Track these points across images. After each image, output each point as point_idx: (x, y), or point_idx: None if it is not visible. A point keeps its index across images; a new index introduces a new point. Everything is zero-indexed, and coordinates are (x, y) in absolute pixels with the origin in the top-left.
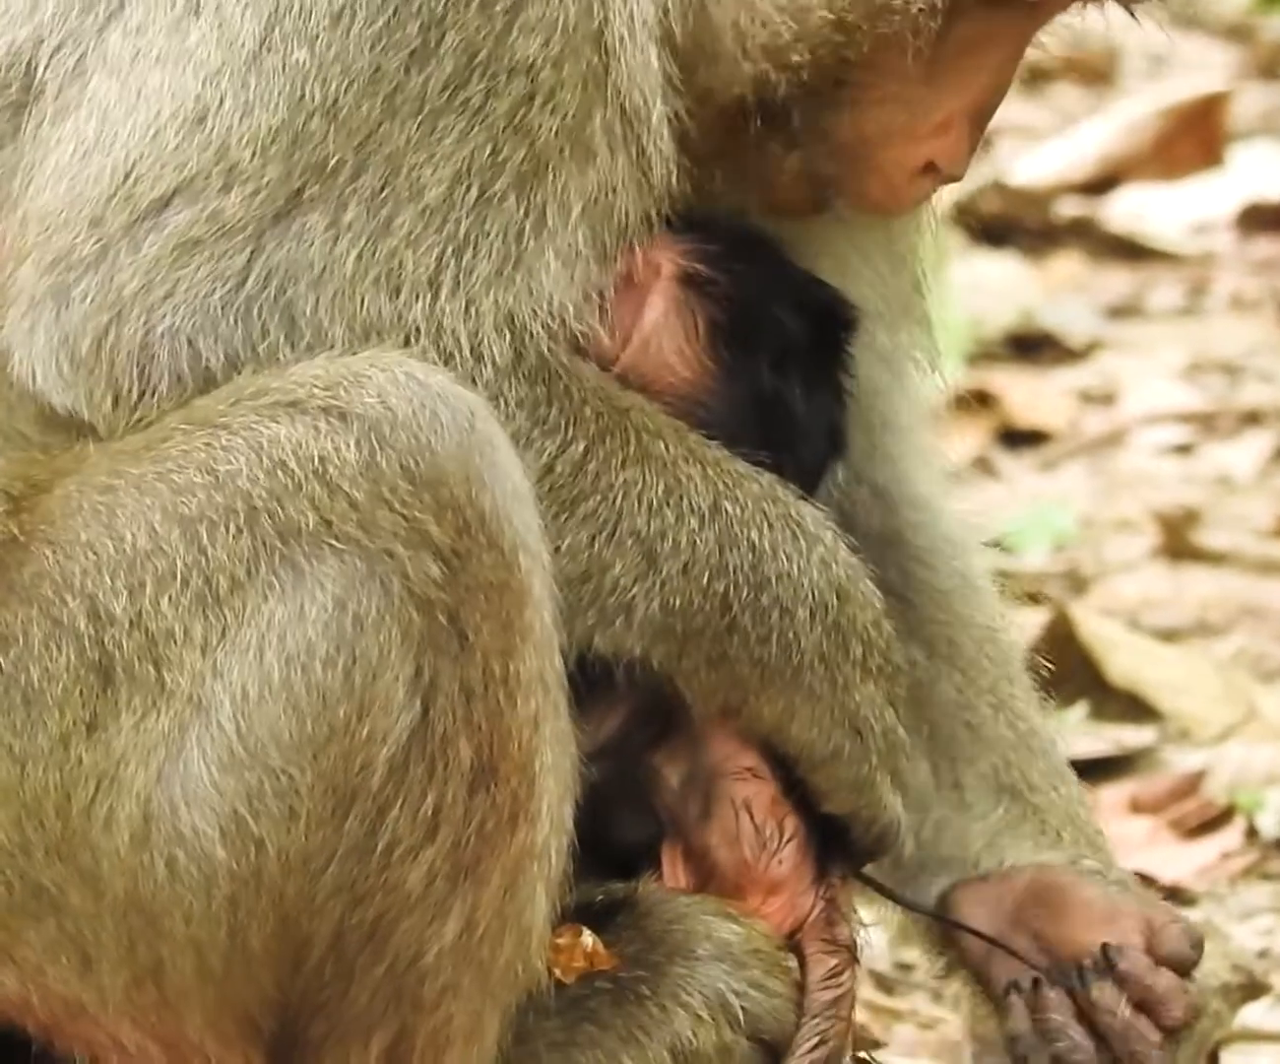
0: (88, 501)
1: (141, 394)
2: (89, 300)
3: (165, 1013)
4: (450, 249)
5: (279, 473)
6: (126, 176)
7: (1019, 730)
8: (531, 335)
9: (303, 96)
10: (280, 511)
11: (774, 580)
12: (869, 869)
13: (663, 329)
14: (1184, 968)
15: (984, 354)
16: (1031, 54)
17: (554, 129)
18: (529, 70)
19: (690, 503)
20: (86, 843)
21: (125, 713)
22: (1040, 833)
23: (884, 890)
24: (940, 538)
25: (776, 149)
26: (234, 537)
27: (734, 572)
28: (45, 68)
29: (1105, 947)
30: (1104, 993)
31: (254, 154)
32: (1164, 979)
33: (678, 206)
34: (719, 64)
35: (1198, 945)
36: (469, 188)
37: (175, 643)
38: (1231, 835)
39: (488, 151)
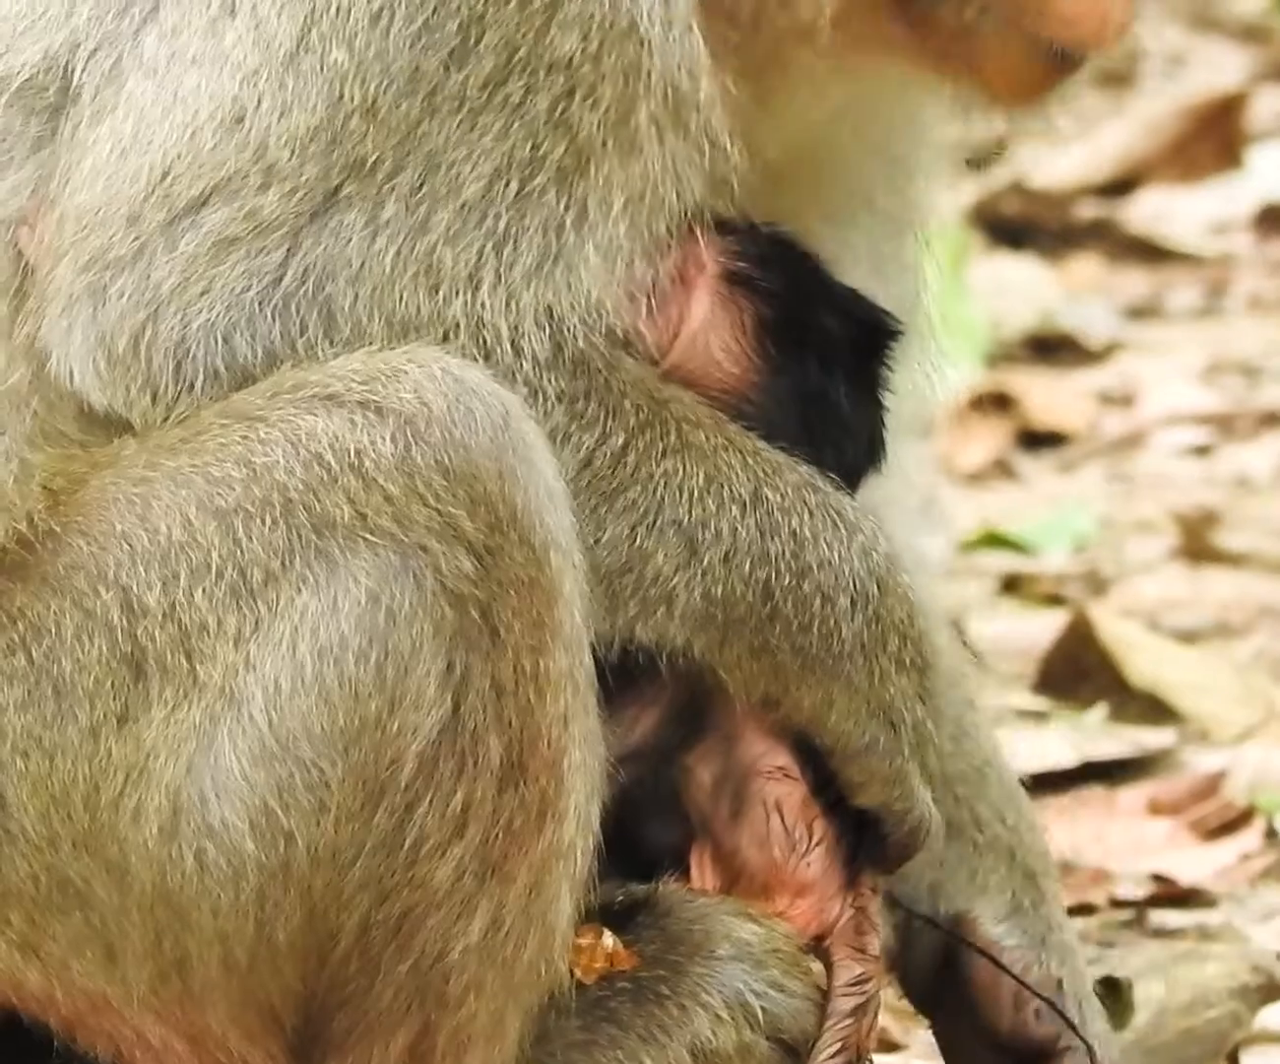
0: (123, 493)
1: (178, 391)
2: (126, 298)
3: (190, 1007)
4: (490, 244)
5: (315, 466)
6: (164, 176)
7: (974, 763)
8: (570, 329)
9: (341, 96)
10: (316, 504)
11: (815, 568)
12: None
13: (710, 325)
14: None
15: (1003, 356)
16: None
17: (595, 123)
18: (568, 66)
19: (731, 491)
20: (114, 836)
21: (156, 705)
22: (972, 878)
23: (906, 908)
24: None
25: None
26: (269, 529)
27: (775, 559)
28: (82, 71)
29: None
30: None
31: (292, 153)
32: None
33: (748, 175)
34: None
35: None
36: (508, 183)
37: (208, 635)
38: (1251, 837)
39: (528, 147)
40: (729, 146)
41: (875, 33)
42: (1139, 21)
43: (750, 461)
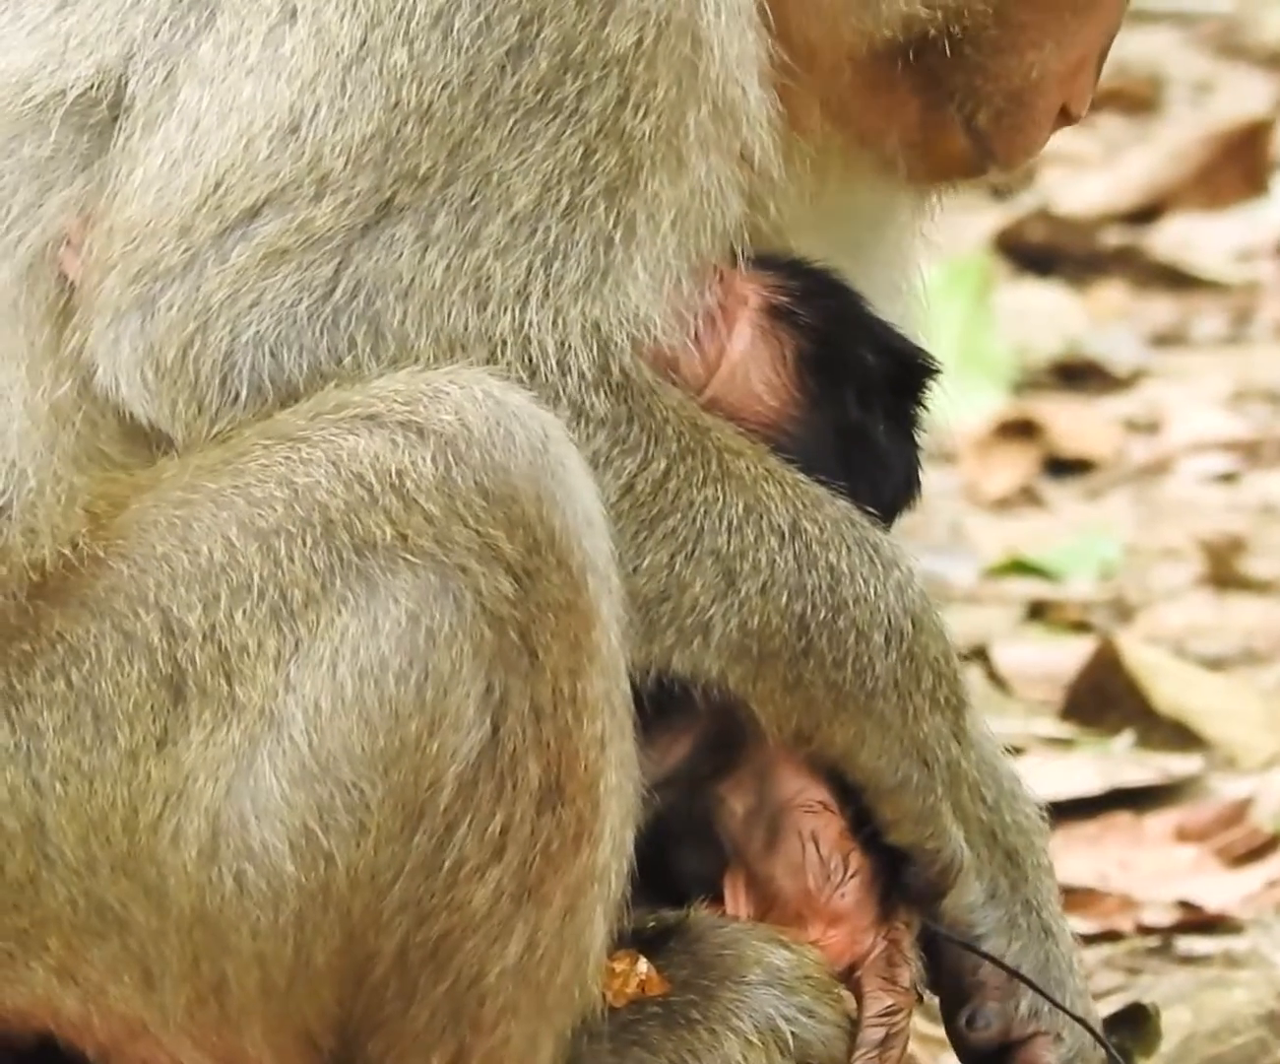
0: (164, 515)
1: (223, 404)
2: (175, 309)
3: (226, 1030)
4: (539, 259)
5: (356, 486)
6: (217, 186)
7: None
8: (616, 347)
9: (398, 102)
10: (357, 525)
11: (851, 603)
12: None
13: (750, 358)
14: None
15: (1030, 383)
16: None
17: (646, 133)
18: (622, 67)
19: (770, 522)
20: (153, 859)
21: (195, 727)
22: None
23: (951, 939)
24: None
25: (929, 100)
26: (310, 549)
27: (812, 593)
28: (135, 82)
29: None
30: None
31: (346, 163)
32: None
33: (787, 195)
34: (867, 8)
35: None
36: (559, 194)
37: (248, 656)
38: (1278, 863)
39: (579, 155)
40: (772, 162)
41: (881, 77)
42: (1164, 51)
43: (789, 493)
